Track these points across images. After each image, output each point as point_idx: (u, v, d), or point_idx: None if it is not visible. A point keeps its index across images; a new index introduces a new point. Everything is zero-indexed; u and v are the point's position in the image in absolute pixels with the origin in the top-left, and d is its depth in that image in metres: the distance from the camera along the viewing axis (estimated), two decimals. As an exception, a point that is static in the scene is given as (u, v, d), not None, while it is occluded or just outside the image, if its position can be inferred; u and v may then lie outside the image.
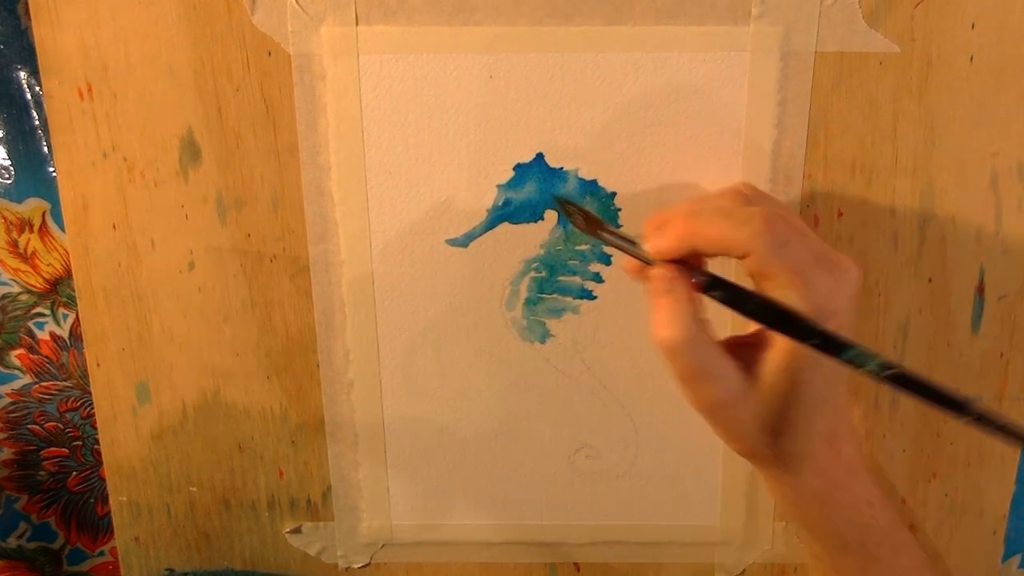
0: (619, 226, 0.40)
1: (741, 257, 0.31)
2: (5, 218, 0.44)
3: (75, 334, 0.47)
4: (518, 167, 0.39)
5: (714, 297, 0.31)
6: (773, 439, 0.33)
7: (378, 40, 0.38)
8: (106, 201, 0.41)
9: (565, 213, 0.38)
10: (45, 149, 0.43)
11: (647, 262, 0.33)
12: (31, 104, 0.43)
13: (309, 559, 0.47)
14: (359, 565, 0.47)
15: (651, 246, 0.32)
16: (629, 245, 0.33)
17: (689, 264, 0.32)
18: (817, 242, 0.32)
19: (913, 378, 0.29)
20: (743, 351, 0.33)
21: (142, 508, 0.46)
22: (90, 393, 0.45)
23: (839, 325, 0.30)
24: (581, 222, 0.36)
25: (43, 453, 0.49)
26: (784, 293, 0.30)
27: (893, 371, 0.29)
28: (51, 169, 0.43)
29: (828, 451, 0.33)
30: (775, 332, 0.31)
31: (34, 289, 0.46)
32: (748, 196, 0.34)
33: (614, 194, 0.40)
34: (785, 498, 0.35)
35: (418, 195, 0.40)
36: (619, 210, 0.40)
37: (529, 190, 0.40)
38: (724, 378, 0.32)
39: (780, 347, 0.32)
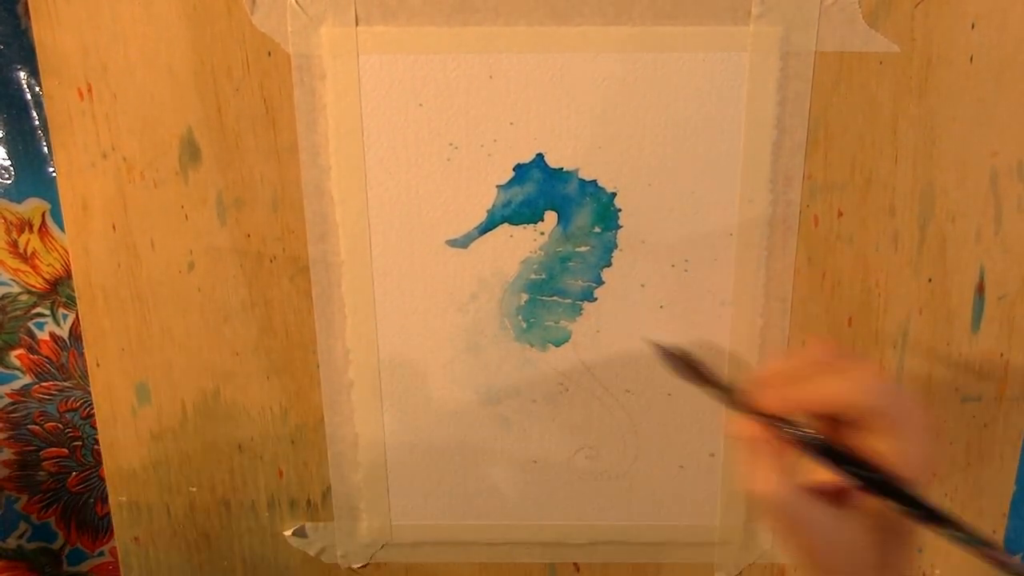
0: (620, 226, 0.40)
1: (851, 411, 0.30)
2: (5, 218, 0.44)
3: (75, 334, 0.47)
4: (518, 167, 0.39)
5: (819, 460, 0.31)
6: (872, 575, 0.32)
7: (378, 40, 0.38)
8: (106, 201, 0.41)
9: (664, 359, 0.36)
10: (45, 149, 0.43)
11: (748, 412, 0.33)
12: (31, 104, 0.43)
13: (309, 559, 0.47)
14: (359, 565, 0.47)
15: (753, 395, 0.32)
16: (728, 395, 0.33)
17: (792, 422, 0.32)
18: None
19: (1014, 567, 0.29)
20: (840, 497, 0.32)
21: (142, 508, 0.46)
22: (90, 393, 0.45)
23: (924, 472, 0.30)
24: (680, 369, 0.35)
25: (43, 453, 0.49)
26: (903, 451, 0.30)
27: (992, 552, 0.29)
28: (51, 169, 0.43)
29: None
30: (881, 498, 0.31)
31: (34, 289, 0.46)
32: (840, 354, 0.33)
33: (614, 194, 0.40)
34: None
35: (418, 195, 0.40)
36: (619, 210, 0.40)
37: (529, 190, 0.40)
38: (818, 526, 0.31)
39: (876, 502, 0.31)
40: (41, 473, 0.50)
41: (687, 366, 0.35)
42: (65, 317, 0.46)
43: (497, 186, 0.40)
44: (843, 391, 0.31)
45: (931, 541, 0.46)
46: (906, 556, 0.32)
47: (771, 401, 0.32)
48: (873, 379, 0.30)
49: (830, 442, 0.31)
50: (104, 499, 0.48)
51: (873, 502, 0.31)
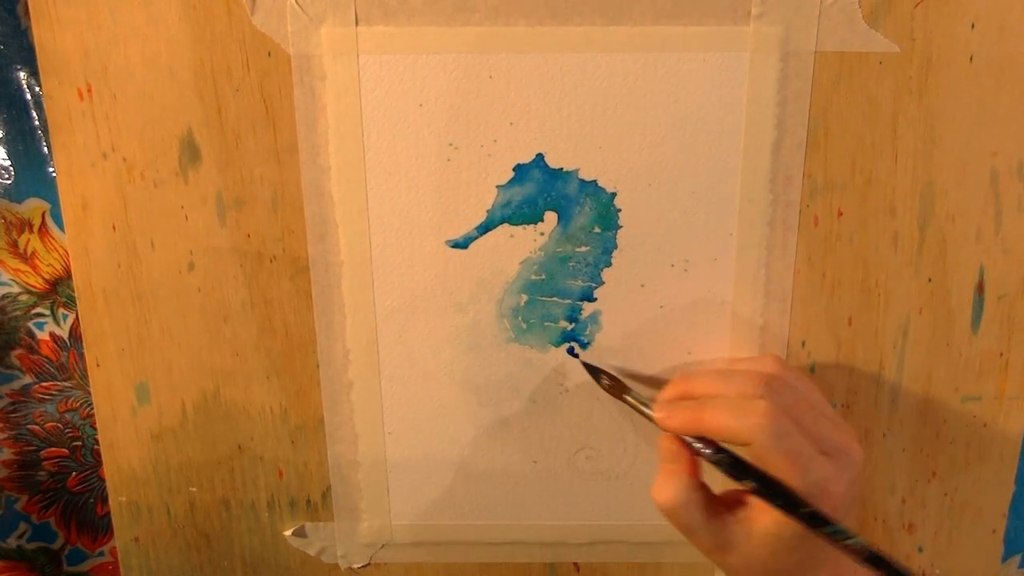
0: (620, 226, 0.40)
1: (743, 445, 0.33)
2: (5, 218, 0.44)
3: (75, 334, 0.47)
4: (518, 168, 0.39)
5: (718, 466, 0.34)
6: None
7: (378, 40, 0.38)
8: (106, 202, 0.41)
9: (592, 375, 0.42)
10: (45, 149, 0.43)
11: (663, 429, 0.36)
12: (31, 104, 0.43)
13: (309, 559, 0.47)
14: (359, 565, 0.47)
15: (659, 422, 0.36)
16: (647, 411, 0.37)
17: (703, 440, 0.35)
18: (825, 426, 0.34)
19: (886, 559, 0.32)
20: (741, 508, 0.35)
21: (142, 509, 0.46)
22: (90, 393, 0.45)
23: (833, 506, 0.32)
24: (606, 385, 0.40)
25: (43, 453, 0.49)
26: (783, 479, 0.33)
27: (869, 551, 0.32)
28: (51, 169, 0.43)
29: None
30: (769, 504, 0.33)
31: (34, 289, 0.46)
32: (766, 380, 0.35)
33: (614, 194, 0.40)
34: None
35: (418, 195, 0.40)
36: (619, 210, 0.40)
37: (529, 191, 0.40)
38: (711, 537, 0.35)
39: (774, 513, 0.33)
40: (41, 473, 0.50)
41: (612, 385, 0.41)
42: (65, 317, 0.46)
43: (497, 186, 0.40)
44: (732, 427, 0.33)
45: (931, 541, 0.46)
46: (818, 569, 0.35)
47: (672, 424, 0.36)
48: (761, 419, 0.33)
49: (731, 458, 0.34)
50: (104, 499, 0.48)
51: (769, 527, 0.34)
